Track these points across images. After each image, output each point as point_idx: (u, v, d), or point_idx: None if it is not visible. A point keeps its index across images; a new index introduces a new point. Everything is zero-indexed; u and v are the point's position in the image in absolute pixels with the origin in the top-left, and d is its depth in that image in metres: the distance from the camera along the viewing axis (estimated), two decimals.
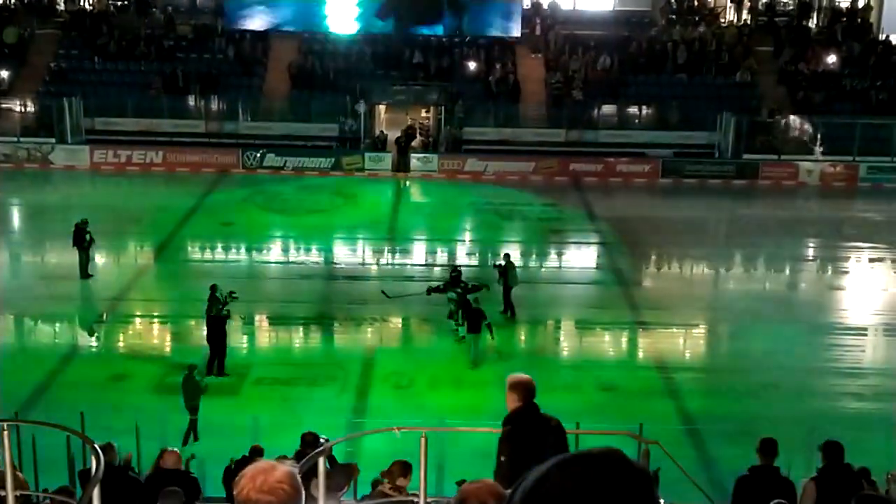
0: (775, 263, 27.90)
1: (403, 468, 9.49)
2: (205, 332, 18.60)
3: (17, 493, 8.42)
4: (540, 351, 20.78)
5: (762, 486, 9.06)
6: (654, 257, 28.02)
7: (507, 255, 22.51)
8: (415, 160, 35.64)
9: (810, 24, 41.59)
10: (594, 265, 27.55)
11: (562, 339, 22.23)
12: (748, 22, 41.93)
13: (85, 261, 23.49)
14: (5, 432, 7.64)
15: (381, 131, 37.97)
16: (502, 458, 6.70)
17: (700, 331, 22.84)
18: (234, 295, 18.81)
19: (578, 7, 42.45)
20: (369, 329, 21.50)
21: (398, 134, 36.67)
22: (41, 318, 21.91)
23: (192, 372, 16.35)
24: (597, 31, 40.75)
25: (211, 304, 18.72)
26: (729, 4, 42.82)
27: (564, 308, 23.48)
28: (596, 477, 1.65)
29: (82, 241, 23.39)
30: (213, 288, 18.91)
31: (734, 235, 30.34)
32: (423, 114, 38.57)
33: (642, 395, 17.91)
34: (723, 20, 42.26)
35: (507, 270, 21.56)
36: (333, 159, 35.42)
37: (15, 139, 35.35)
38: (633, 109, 38.38)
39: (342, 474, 9.43)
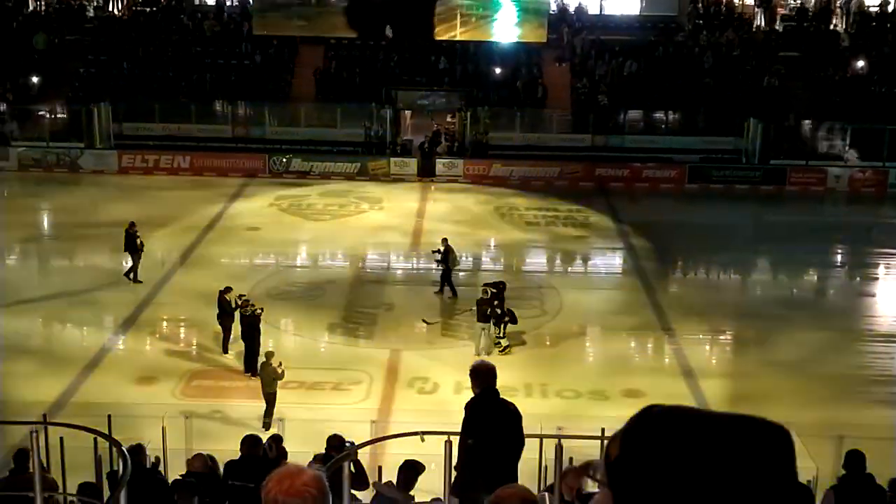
0: (804, 269, 27.70)
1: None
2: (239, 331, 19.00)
3: (46, 494, 8.50)
4: (565, 357, 20.69)
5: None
6: (680, 263, 27.91)
7: (444, 240, 23.45)
8: (440, 165, 35.68)
9: (839, 29, 41.32)
10: (620, 270, 27.46)
11: (587, 344, 22.15)
12: (776, 27, 41.70)
13: (136, 265, 23.59)
14: (35, 434, 7.72)
15: (407, 137, 38.08)
16: (469, 441, 7.00)
17: (727, 337, 22.71)
18: (244, 298, 19.20)
19: (605, 12, 42.38)
20: (395, 333, 21.51)
21: (423, 139, 36.73)
22: (69, 321, 22.07)
23: (269, 359, 16.77)
24: (623, 35, 40.70)
25: (221, 307, 19.20)
26: (757, 9, 42.60)
27: (590, 313, 23.39)
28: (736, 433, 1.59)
29: (134, 246, 23.48)
30: (224, 291, 19.46)
31: (761, 241, 30.14)
32: (449, 119, 38.61)
33: (669, 402, 17.76)
34: (750, 25, 42.05)
35: (446, 254, 22.95)
36: (359, 164, 35.53)
37: (44, 144, 35.71)
38: (660, 114, 38.25)
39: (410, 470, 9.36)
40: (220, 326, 19.62)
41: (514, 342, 20.35)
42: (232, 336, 19.48)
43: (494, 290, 20.14)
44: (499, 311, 19.93)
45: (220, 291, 19.73)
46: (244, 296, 19.40)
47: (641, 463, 1.58)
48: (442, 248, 23.24)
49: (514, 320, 20.23)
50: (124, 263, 23.95)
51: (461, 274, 24.75)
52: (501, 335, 20.09)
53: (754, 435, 1.58)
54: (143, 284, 23.43)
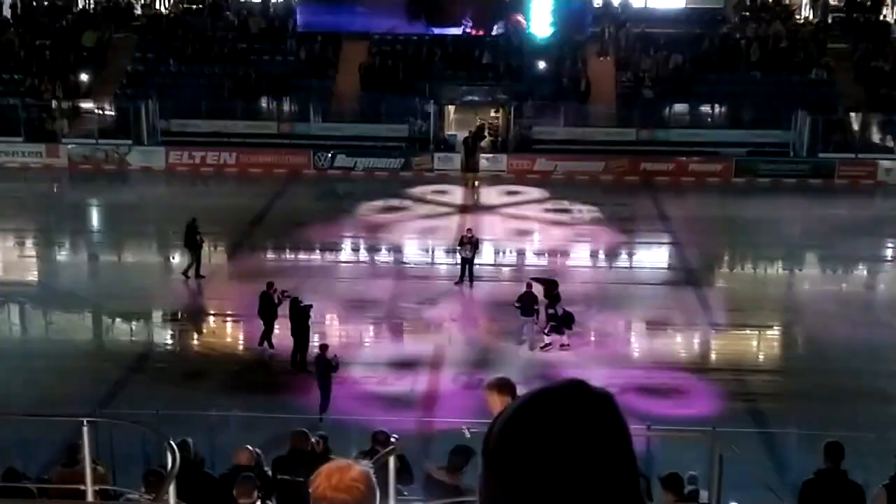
0: (852, 264, 27.33)
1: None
2: (288, 327, 18.93)
3: (97, 487, 8.63)
4: (611, 351, 20.60)
5: (828, 491, 8.88)
6: (727, 258, 27.65)
7: (469, 229, 24.32)
8: (484, 160, 35.64)
9: (889, 20, 40.62)
10: (666, 265, 27.26)
11: (633, 339, 22.02)
12: (824, 18, 41.10)
13: (197, 261, 23.43)
14: (85, 427, 7.84)
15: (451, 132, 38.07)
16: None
17: (775, 332, 22.48)
18: (286, 294, 19.25)
19: (649, 5, 42.04)
20: (439, 328, 21.54)
21: (467, 134, 36.69)
22: (119, 316, 22.34)
23: (324, 352, 17.00)
24: (668, 28, 40.35)
25: (263, 303, 19.28)
26: (804, 0, 42.03)
27: (636, 308, 23.24)
28: (560, 406, 1.80)
29: (194, 242, 23.37)
30: (267, 287, 19.44)
31: (810, 236, 29.78)
32: (493, 114, 38.55)
33: (716, 397, 17.69)
34: (798, 16, 41.49)
35: (475, 245, 23.40)
36: (403, 160, 35.61)
37: (93, 141, 36.21)
38: (706, 108, 37.87)
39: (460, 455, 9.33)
40: (262, 321, 19.69)
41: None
42: (276, 331, 19.55)
43: (542, 286, 20.01)
44: (550, 310, 19.73)
45: (266, 286, 19.78)
46: (286, 291, 19.46)
47: (515, 454, 1.79)
48: (469, 237, 23.53)
49: (568, 324, 19.73)
50: (179, 259, 23.89)
51: (505, 269, 24.74)
52: (548, 333, 19.89)
53: (582, 412, 1.80)
54: (192, 280, 23.53)
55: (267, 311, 19.46)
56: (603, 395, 1.83)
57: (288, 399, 17.52)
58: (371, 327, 21.77)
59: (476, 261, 23.61)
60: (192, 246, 23.39)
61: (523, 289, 20.37)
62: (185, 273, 23.52)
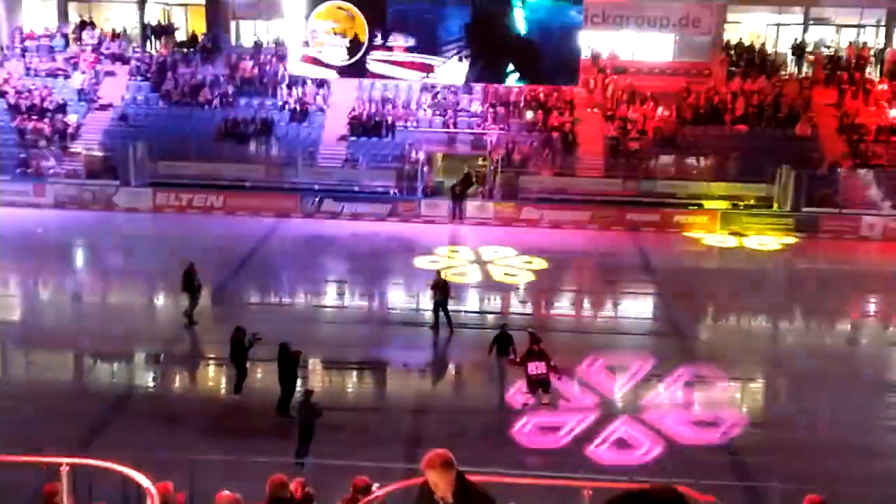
0: (836, 319, 27.45)
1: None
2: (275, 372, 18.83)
3: None
4: (593, 403, 20.51)
5: None
6: (711, 310, 27.70)
7: (438, 272, 24.64)
8: (471, 207, 35.78)
9: (873, 77, 41.17)
10: (650, 316, 27.30)
11: (616, 389, 21.95)
12: (809, 74, 41.64)
13: (193, 306, 23.38)
14: (64, 469, 7.74)
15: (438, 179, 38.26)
16: None
17: (759, 385, 22.49)
18: (257, 337, 19.22)
19: (637, 58, 42.54)
20: (421, 375, 21.47)
21: (454, 181, 36.84)
22: (99, 357, 22.21)
23: (309, 396, 16.95)
24: (655, 81, 40.81)
25: (233, 346, 19.21)
26: (790, 57, 42.57)
27: (619, 359, 23.19)
28: None
29: (192, 286, 23.33)
30: (237, 331, 19.36)
31: (793, 290, 29.90)
32: (480, 162, 38.77)
33: (698, 450, 17.62)
34: (783, 72, 42.02)
35: (442, 287, 23.51)
36: (390, 205, 35.72)
37: (80, 181, 36.19)
38: (692, 160, 38.17)
39: None
40: (234, 366, 19.56)
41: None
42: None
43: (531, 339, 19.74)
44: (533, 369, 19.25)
45: (234, 331, 19.68)
46: (257, 334, 19.39)
47: None
48: (434, 281, 23.79)
49: (545, 386, 19.29)
50: (181, 302, 23.84)
51: (490, 317, 24.72)
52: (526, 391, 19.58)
53: None
54: (171, 321, 23.45)
55: (238, 355, 19.38)
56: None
57: (269, 444, 17.36)
58: (353, 374, 21.66)
59: (450, 305, 23.61)
60: (191, 290, 23.36)
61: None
62: (186, 315, 23.40)
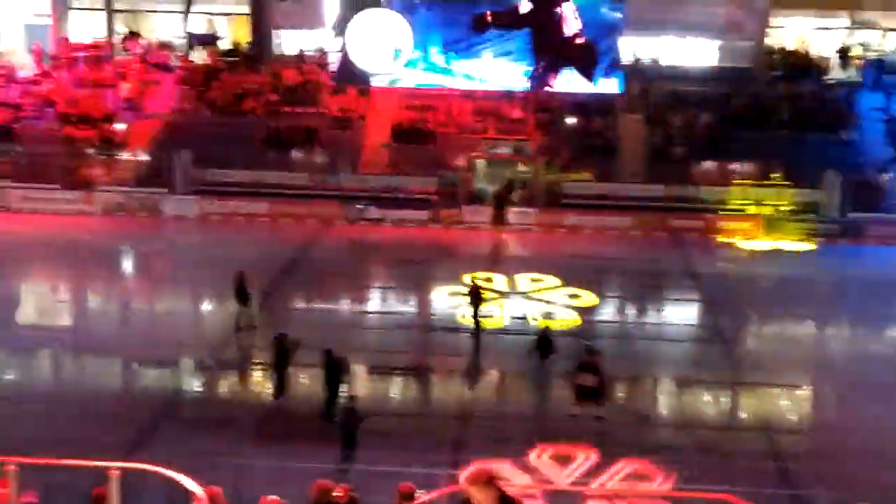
0: (883, 324, 27.12)
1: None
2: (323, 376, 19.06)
3: None
4: (638, 409, 20.50)
5: None
6: (756, 316, 27.50)
7: (473, 278, 24.92)
8: (513, 214, 35.80)
9: None
10: (694, 322, 27.17)
11: (660, 397, 21.91)
12: (854, 78, 41.19)
13: (244, 315, 23.65)
14: (113, 474, 7.90)
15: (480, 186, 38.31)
16: None
17: (804, 392, 22.28)
18: (299, 344, 19.64)
19: (678, 63, 42.30)
20: (467, 381, 21.57)
21: (497, 187, 36.87)
22: (147, 363, 22.53)
23: (353, 402, 17.37)
24: (698, 86, 40.59)
25: (276, 352, 19.51)
26: (835, 62, 42.12)
27: (663, 365, 23.16)
28: None
29: (245, 295, 23.65)
30: (279, 337, 19.67)
31: (840, 295, 29.60)
32: (522, 168, 38.76)
33: (743, 457, 17.54)
34: (828, 75, 41.57)
35: (476, 295, 23.78)
36: (432, 212, 35.84)
37: (128, 189, 36.75)
38: (736, 166, 37.86)
39: None
40: (276, 372, 19.81)
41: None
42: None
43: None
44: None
45: (276, 337, 19.94)
46: (298, 340, 19.71)
47: None
48: (470, 289, 24.11)
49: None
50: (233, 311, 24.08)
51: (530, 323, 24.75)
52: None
53: None
54: (217, 327, 23.70)
55: (280, 361, 19.62)
56: None
57: (314, 449, 17.52)
58: (399, 379, 21.80)
59: (480, 310, 23.87)
60: (243, 299, 23.65)
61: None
62: (237, 327, 23.70)
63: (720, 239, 34.22)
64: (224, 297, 24.71)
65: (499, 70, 38.10)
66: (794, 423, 20.51)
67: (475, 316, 23.76)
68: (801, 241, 34.14)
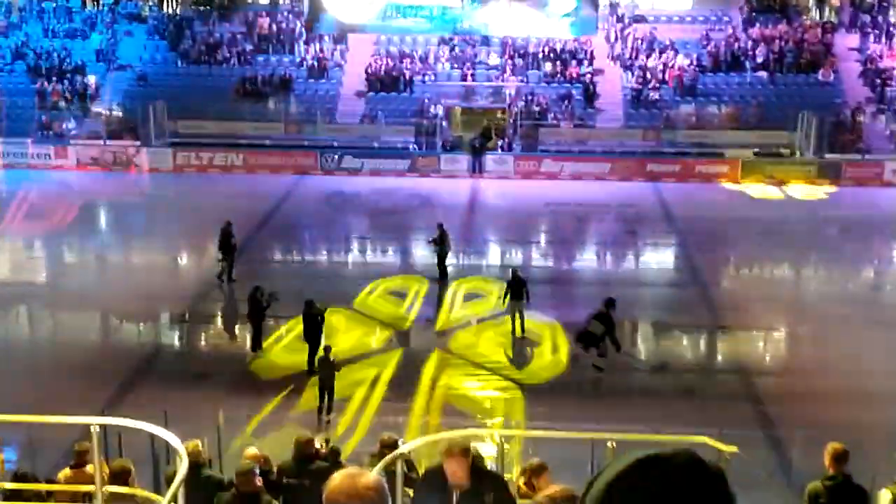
0: (860, 265, 27.32)
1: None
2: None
3: (112, 489, 8.68)
4: (617, 354, 20.60)
5: (833, 495, 8.89)
6: (733, 259, 27.64)
7: (440, 225, 24.04)
8: (490, 161, 35.70)
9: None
10: (672, 267, 27.30)
11: (639, 342, 22.04)
12: (831, 19, 41.09)
13: (230, 265, 23.46)
14: (94, 429, 7.87)
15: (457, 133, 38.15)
16: None
17: (781, 334, 22.47)
18: (275, 297, 19.47)
19: (656, 7, 42.06)
20: (446, 330, 21.60)
21: (473, 135, 36.72)
22: (124, 317, 22.45)
23: (328, 353, 17.10)
24: (674, 29, 40.42)
25: (252, 305, 19.40)
26: (811, 2, 41.97)
27: (642, 310, 23.26)
28: (673, 479, 1.75)
29: (229, 246, 23.39)
30: (255, 290, 19.56)
31: (817, 236, 29.76)
32: (499, 115, 38.62)
33: (722, 399, 17.70)
34: (804, 17, 41.47)
35: (442, 240, 23.62)
36: (409, 161, 35.70)
37: (101, 142, 36.37)
38: (712, 109, 37.87)
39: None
40: (251, 325, 19.78)
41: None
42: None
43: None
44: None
45: (252, 290, 19.85)
46: (274, 293, 19.61)
47: None
48: (437, 234, 23.87)
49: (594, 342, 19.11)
50: (215, 261, 23.90)
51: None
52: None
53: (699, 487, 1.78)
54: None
55: (256, 314, 19.57)
56: (718, 473, 1.79)
57: (294, 401, 17.56)
58: (377, 329, 21.80)
59: (448, 257, 24.01)
60: (227, 250, 23.47)
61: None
62: (219, 277, 23.55)
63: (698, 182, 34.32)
64: (200, 250, 24.53)
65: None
66: (771, 365, 20.70)
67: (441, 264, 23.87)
68: (778, 183, 34.28)
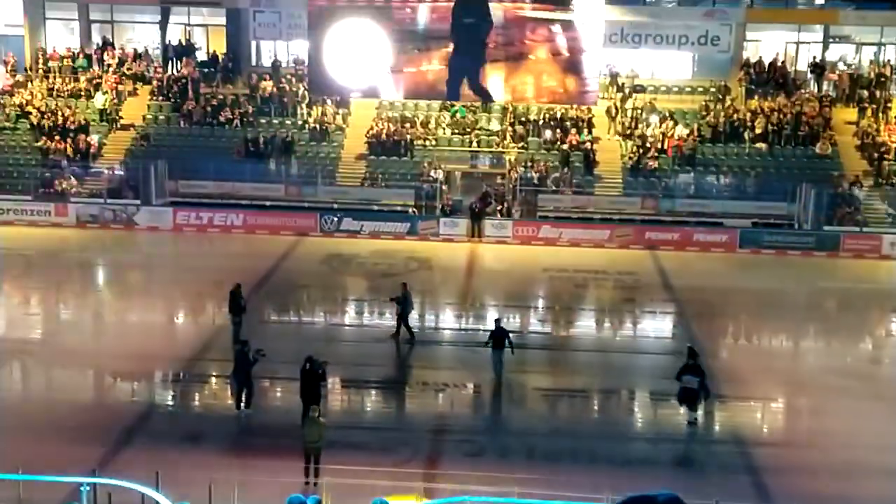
0: (858, 338, 27.24)
1: None
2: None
3: None
4: (613, 423, 20.46)
5: None
6: (731, 329, 27.57)
7: (403, 285, 24.47)
8: (489, 226, 35.80)
9: (893, 93, 40.99)
10: (669, 335, 27.19)
11: (636, 410, 21.87)
12: (829, 93, 41.50)
13: (238, 327, 23.32)
14: (84, 489, 7.79)
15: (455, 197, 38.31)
16: None
17: (779, 405, 22.30)
18: (261, 353, 19.32)
19: (656, 76, 42.54)
20: (441, 394, 21.44)
21: (473, 200, 36.88)
22: (119, 375, 22.28)
23: (315, 413, 16.81)
24: (674, 99, 40.83)
25: (238, 363, 19.25)
26: (809, 76, 42.42)
27: (639, 378, 23.14)
28: None
29: (238, 308, 23.40)
30: (243, 344, 19.50)
31: (815, 308, 29.72)
32: (499, 180, 38.81)
33: (718, 471, 17.52)
34: (803, 90, 41.88)
35: (405, 299, 23.99)
36: (409, 224, 35.80)
37: (102, 201, 36.50)
38: (711, 178, 38.11)
39: None
40: (236, 381, 19.53)
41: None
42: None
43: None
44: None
45: (238, 345, 19.70)
46: (261, 350, 19.46)
47: None
48: (401, 294, 24.08)
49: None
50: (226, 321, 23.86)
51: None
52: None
53: None
54: (191, 339, 23.45)
55: (241, 370, 19.39)
56: None
57: (287, 463, 17.34)
58: (373, 392, 21.66)
59: (410, 315, 24.33)
60: (236, 311, 23.42)
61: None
62: (236, 340, 23.40)
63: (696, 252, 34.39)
64: (197, 309, 24.46)
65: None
66: (769, 437, 20.52)
67: (404, 323, 24.03)
68: (776, 254, 34.35)
